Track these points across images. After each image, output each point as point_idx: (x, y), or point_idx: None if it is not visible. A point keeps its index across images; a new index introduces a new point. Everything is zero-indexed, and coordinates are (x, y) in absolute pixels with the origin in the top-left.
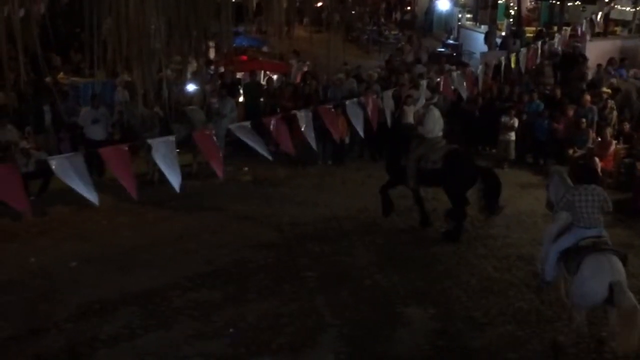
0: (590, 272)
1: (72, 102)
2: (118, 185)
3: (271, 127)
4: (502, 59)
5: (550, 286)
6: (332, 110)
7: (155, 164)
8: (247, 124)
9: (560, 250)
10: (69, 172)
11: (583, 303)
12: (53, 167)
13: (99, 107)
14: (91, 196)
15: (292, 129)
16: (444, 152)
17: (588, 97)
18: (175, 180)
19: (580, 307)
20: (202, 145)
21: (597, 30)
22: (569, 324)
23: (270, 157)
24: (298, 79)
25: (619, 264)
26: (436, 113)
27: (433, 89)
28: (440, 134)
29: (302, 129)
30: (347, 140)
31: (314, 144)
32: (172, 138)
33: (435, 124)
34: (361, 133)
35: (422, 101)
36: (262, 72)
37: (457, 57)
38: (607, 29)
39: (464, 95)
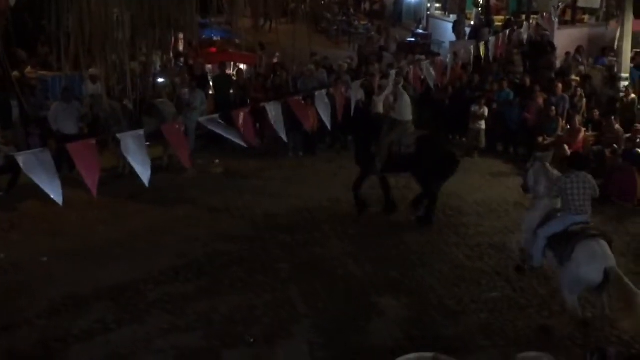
0: (584, 258)
1: (40, 96)
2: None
3: (239, 120)
4: (472, 48)
5: (535, 271)
6: (302, 101)
7: (125, 158)
8: (216, 116)
9: (548, 235)
10: (36, 168)
11: (577, 287)
12: (20, 162)
13: (70, 101)
14: (56, 195)
15: (263, 121)
16: (417, 137)
17: (560, 86)
18: (144, 174)
19: (573, 291)
20: (170, 137)
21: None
22: (563, 310)
23: (244, 144)
24: (264, 71)
25: (609, 249)
26: (407, 98)
27: (403, 78)
28: (411, 118)
29: (272, 122)
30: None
31: (284, 136)
32: (140, 132)
33: (407, 107)
34: (328, 125)
35: (390, 90)
36: (232, 64)
37: (427, 46)
38: (575, 16)
39: (432, 84)
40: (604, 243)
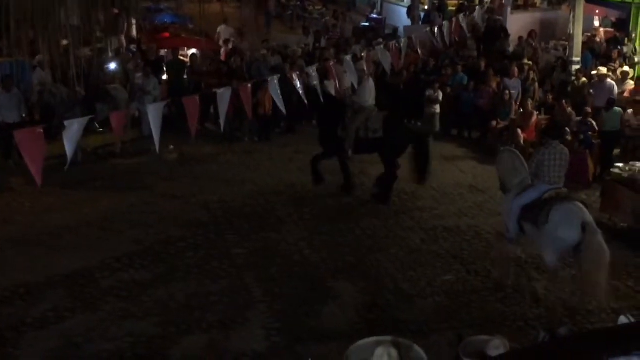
0: (562, 217)
1: None
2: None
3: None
4: (427, 31)
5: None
6: (249, 88)
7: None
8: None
9: (523, 204)
10: None
11: (556, 247)
12: None
13: (10, 89)
14: None
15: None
16: (382, 120)
17: (516, 70)
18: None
19: (553, 253)
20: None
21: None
22: (550, 280)
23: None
24: (224, 57)
25: (585, 208)
26: (371, 83)
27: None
28: (373, 102)
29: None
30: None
31: (222, 122)
32: (86, 119)
33: (371, 93)
34: (283, 109)
35: (350, 75)
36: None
37: (381, 31)
38: (528, 1)
39: (387, 69)
40: (579, 204)
